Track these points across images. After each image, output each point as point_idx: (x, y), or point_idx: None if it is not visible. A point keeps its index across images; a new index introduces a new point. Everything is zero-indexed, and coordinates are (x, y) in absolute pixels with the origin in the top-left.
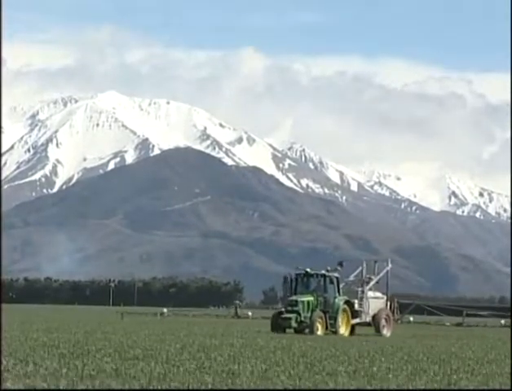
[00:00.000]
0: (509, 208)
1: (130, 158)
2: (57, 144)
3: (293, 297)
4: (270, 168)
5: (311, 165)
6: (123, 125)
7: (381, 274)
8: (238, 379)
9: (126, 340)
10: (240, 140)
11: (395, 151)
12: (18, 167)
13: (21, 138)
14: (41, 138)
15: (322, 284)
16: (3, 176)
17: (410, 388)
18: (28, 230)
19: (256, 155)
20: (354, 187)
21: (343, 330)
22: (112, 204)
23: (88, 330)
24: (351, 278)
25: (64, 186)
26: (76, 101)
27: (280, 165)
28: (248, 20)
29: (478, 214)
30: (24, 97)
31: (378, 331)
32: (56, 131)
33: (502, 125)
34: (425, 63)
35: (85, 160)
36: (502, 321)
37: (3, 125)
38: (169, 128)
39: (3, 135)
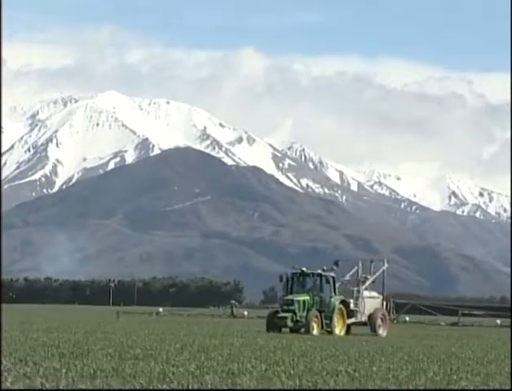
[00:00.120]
0: (509, 208)
1: (130, 158)
2: (57, 144)
3: (289, 297)
4: (270, 168)
5: (310, 165)
6: (123, 125)
7: (377, 274)
8: (238, 379)
9: (126, 340)
10: (240, 140)
11: (394, 151)
12: (18, 167)
13: (21, 137)
14: (41, 138)
15: (318, 284)
16: (3, 176)
17: (410, 388)
18: (28, 230)
19: (256, 155)
20: (354, 187)
21: (339, 330)
22: (112, 204)
23: (88, 330)
24: (347, 277)
25: (64, 186)
26: (76, 101)
27: (280, 165)
28: (248, 20)
29: (478, 214)
30: (24, 97)
31: (374, 330)
32: (56, 131)
33: (502, 125)
34: (425, 63)
35: (85, 159)
36: (498, 321)
37: (3, 124)
38: (169, 128)
39: (3, 135)
